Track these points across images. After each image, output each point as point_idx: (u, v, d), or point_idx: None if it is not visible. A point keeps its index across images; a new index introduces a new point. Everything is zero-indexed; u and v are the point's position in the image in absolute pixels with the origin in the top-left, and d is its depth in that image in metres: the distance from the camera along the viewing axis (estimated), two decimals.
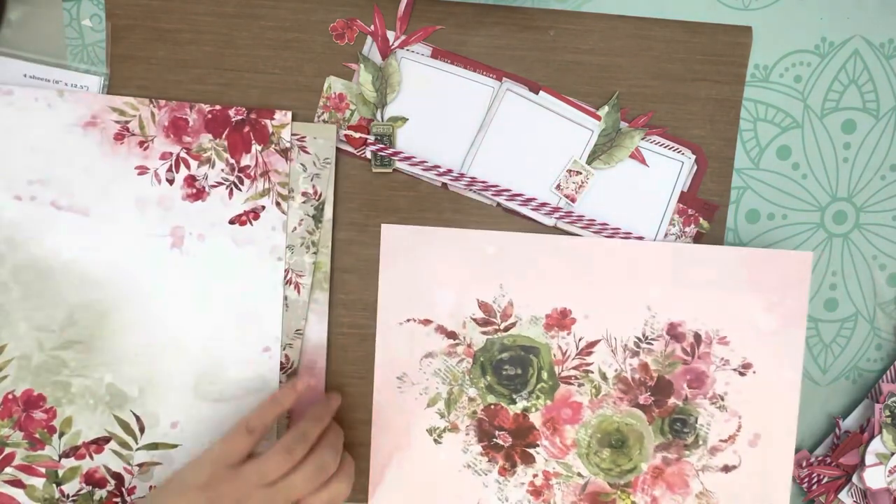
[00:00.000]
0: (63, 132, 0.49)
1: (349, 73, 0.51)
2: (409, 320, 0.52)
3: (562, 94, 0.51)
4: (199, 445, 0.51)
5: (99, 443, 0.51)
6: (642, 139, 0.51)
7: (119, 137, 0.49)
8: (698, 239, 0.53)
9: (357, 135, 0.50)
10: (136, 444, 0.52)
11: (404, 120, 0.51)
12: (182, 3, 0.50)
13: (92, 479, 0.52)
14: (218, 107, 0.50)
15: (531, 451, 0.53)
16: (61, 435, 0.51)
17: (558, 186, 0.51)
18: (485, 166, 0.51)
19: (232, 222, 0.51)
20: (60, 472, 0.51)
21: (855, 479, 0.55)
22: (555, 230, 0.52)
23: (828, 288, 0.55)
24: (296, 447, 0.46)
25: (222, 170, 0.50)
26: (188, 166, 0.50)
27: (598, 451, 0.53)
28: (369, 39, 0.50)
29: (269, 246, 0.51)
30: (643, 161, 0.52)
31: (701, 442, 0.52)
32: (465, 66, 0.51)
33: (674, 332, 0.52)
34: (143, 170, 0.50)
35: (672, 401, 0.52)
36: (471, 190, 0.51)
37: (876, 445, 0.54)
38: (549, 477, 0.53)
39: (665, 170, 0.52)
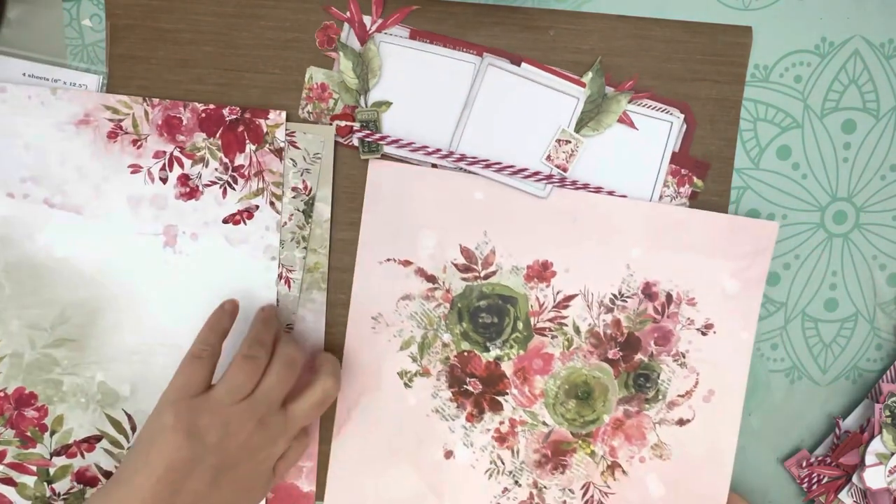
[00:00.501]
0: (56, 130, 0.49)
1: (330, 63, 0.50)
2: (388, 260, 0.51)
3: (544, 64, 0.50)
4: None
5: (90, 441, 0.51)
6: (629, 102, 0.51)
7: (112, 136, 0.49)
8: (693, 198, 0.52)
9: (343, 123, 0.50)
10: (128, 442, 0.51)
11: (388, 104, 0.50)
12: (182, 3, 0.49)
13: (83, 478, 0.52)
14: (212, 106, 0.49)
15: (500, 399, 0.53)
16: (53, 433, 0.51)
17: (549, 157, 0.51)
18: (473, 143, 0.50)
19: (225, 221, 0.50)
20: (52, 471, 0.51)
21: (855, 479, 0.55)
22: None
23: (828, 288, 0.55)
24: (254, 352, 0.44)
25: (216, 169, 0.50)
26: (182, 165, 0.50)
27: (564, 401, 0.53)
28: (346, 26, 0.50)
29: (262, 245, 0.50)
30: (632, 124, 0.51)
31: (661, 397, 0.53)
32: (444, 45, 0.50)
33: (648, 292, 0.52)
34: (136, 168, 0.49)
35: (638, 356, 0.53)
36: (460, 166, 0.50)
37: (876, 445, 0.54)
38: (514, 424, 0.53)
39: (654, 131, 0.51)
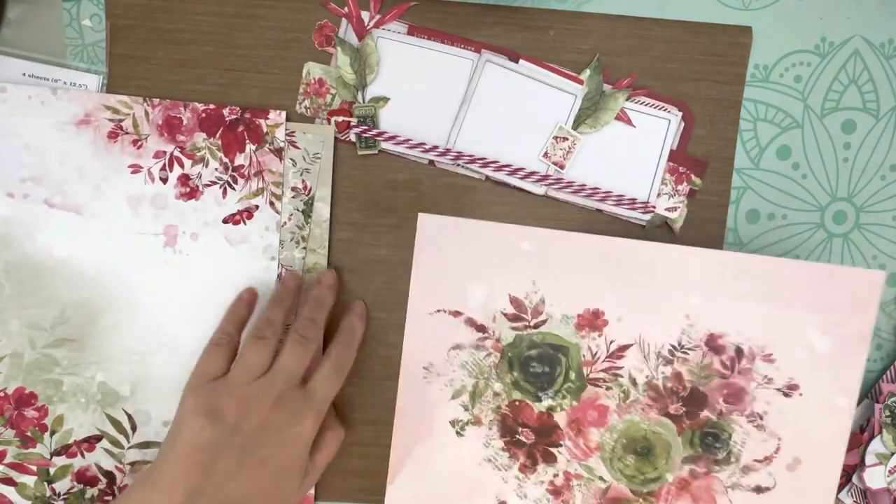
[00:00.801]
0: (56, 130, 0.48)
1: (328, 58, 0.50)
2: (439, 311, 0.51)
3: (542, 61, 0.50)
4: None
5: (90, 441, 0.51)
6: (627, 100, 0.50)
7: (112, 136, 0.49)
8: (692, 196, 0.52)
9: (340, 118, 0.49)
10: (128, 442, 0.51)
11: (386, 100, 0.50)
12: (182, 3, 0.49)
13: (83, 478, 0.51)
14: (212, 106, 0.49)
15: (553, 450, 0.52)
16: (53, 433, 0.51)
17: (546, 154, 0.50)
18: (470, 140, 0.50)
19: (225, 221, 0.50)
20: (52, 471, 0.51)
21: (855, 479, 0.54)
22: (593, 229, 0.51)
23: None
24: (263, 332, 0.45)
25: (216, 169, 0.49)
26: (182, 165, 0.49)
27: (622, 456, 0.51)
28: (344, 22, 0.49)
29: (262, 245, 0.50)
30: (629, 122, 0.51)
31: (733, 459, 0.50)
32: (442, 41, 0.50)
33: (713, 344, 0.50)
34: (136, 168, 0.49)
35: (705, 413, 0.50)
36: (458, 164, 0.50)
37: (876, 445, 0.53)
38: (569, 478, 0.52)
39: (652, 129, 0.51)
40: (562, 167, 0.50)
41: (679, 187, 0.51)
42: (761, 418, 0.50)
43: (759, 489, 0.50)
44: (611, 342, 0.50)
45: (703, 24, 0.51)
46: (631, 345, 0.50)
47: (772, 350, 0.49)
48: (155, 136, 0.49)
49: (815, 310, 0.48)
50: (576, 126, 0.50)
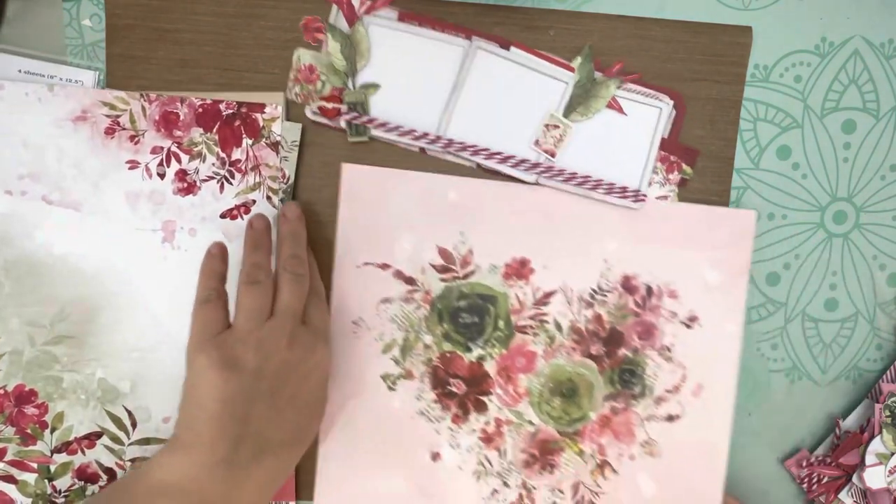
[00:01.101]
0: (54, 127, 0.48)
1: (319, 45, 0.49)
2: (366, 264, 0.51)
3: (533, 49, 0.50)
4: None
5: (91, 438, 0.51)
6: (618, 88, 0.50)
7: (110, 132, 0.49)
8: (682, 185, 0.51)
9: (330, 105, 0.49)
10: (129, 439, 0.51)
11: (376, 87, 0.49)
12: (182, 3, 0.49)
13: (84, 475, 0.51)
14: (209, 101, 0.49)
15: (484, 398, 0.52)
16: (53, 430, 0.50)
17: (537, 142, 0.50)
18: (461, 127, 0.50)
19: (223, 216, 0.50)
20: (52, 468, 0.51)
21: (855, 479, 0.54)
22: (519, 180, 0.50)
23: (828, 288, 0.54)
24: (257, 276, 0.44)
25: (213, 164, 0.49)
26: (179, 160, 0.49)
27: (549, 399, 0.52)
28: (335, 8, 0.49)
29: None
30: (621, 110, 0.50)
31: (647, 392, 0.52)
32: (433, 27, 0.49)
33: (627, 285, 0.51)
34: (133, 164, 0.49)
35: (622, 351, 0.52)
36: (448, 152, 0.50)
37: (876, 445, 0.53)
38: (500, 424, 0.52)
39: (643, 117, 0.51)
40: (553, 155, 0.50)
41: (670, 176, 0.51)
42: (669, 350, 0.52)
43: (670, 418, 0.52)
44: (537, 289, 0.51)
45: (703, 24, 0.50)
46: (555, 291, 0.51)
47: (675, 287, 0.51)
48: (152, 131, 0.49)
49: (706, 248, 0.51)
50: (567, 114, 0.50)
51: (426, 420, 0.52)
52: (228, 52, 0.49)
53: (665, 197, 0.51)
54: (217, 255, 0.47)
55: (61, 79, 0.49)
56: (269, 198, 0.50)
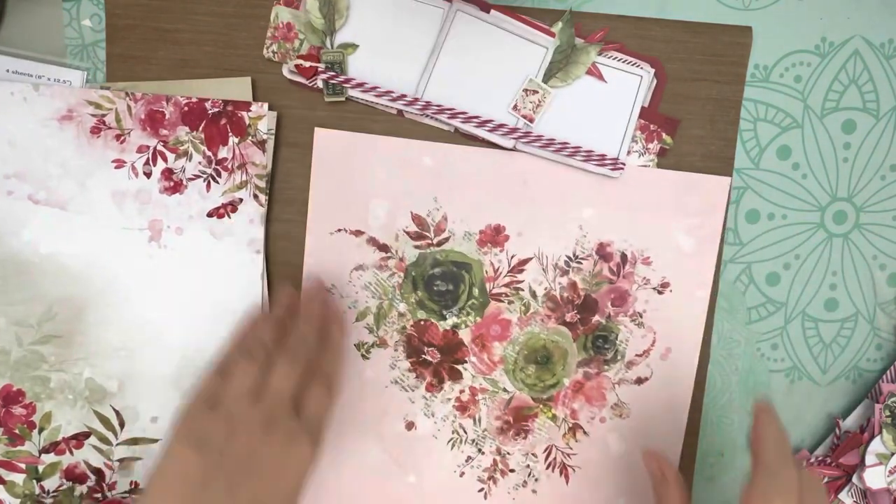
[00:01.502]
0: (39, 126, 0.48)
1: (298, 4, 0.48)
2: (339, 230, 0.50)
3: (514, 13, 0.49)
4: None
5: (79, 438, 0.50)
6: (598, 55, 0.49)
7: (96, 131, 0.48)
8: (662, 154, 0.50)
9: (307, 64, 0.48)
10: (117, 439, 0.51)
11: (355, 47, 0.48)
12: (182, 3, 0.48)
13: (72, 475, 0.51)
14: (194, 99, 0.48)
15: (459, 367, 0.52)
16: (41, 430, 0.50)
17: (515, 107, 0.49)
18: (440, 90, 0.49)
19: (210, 215, 0.49)
20: (40, 468, 0.51)
21: (855, 479, 0.54)
22: (495, 146, 0.50)
23: (828, 288, 0.54)
24: (252, 350, 0.41)
25: (199, 162, 0.49)
26: (165, 159, 0.49)
27: (524, 367, 0.52)
28: None
29: (247, 238, 0.50)
30: (601, 77, 0.49)
31: (619, 357, 0.52)
32: None
33: (602, 252, 0.51)
34: (119, 163, 0.49)
35: (596, 318, 0.52)
36: (426, 114, 0.49)
37: (876, 445, 0.53)
38: (475, 392, 0.52)
39: (624, 85, 0.50)
40: (531, 121, 0.49)
41: (650, 145, 0.50)
42: (641, 316, 0.52)
43: (639, 380, 0.52)
44: (512, 257, 0.51)
45: (703, 24, 0.50)
46: (530, 258, 0.51)
47: (649, 254, 0.51)
48: (138, 130, 0.48)
49: (680, 215, 0.51)
50: (546, 79, 0.49)
51: (400, 389, 0.52)
52: (228, 52, 0.49)
53: (645, 166, 0.51)
54: (255, 320, 0.45)
55: (49, 79, 0.48)
56: (255, 196, 0.49)
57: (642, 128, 0.50)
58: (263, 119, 0.48)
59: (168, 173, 0.49)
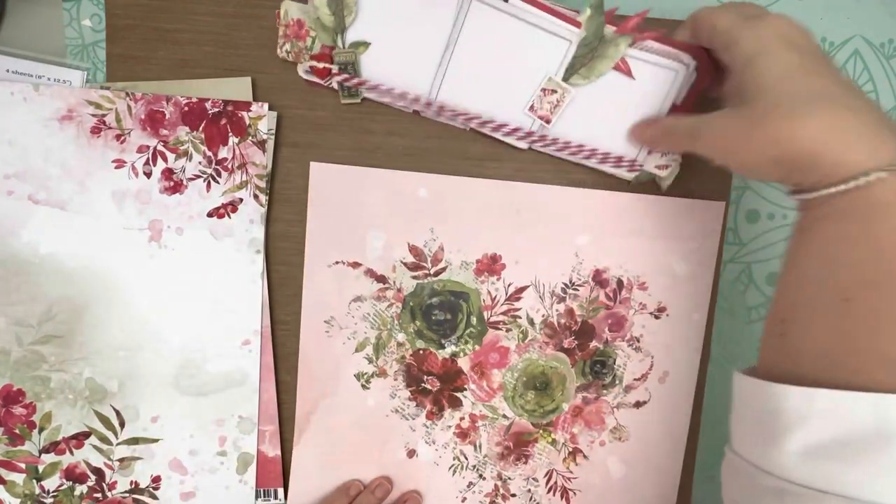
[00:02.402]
0: (39, 126, 0.47)
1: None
2: (337, 262, 0.50)
3: (536, 0, 0.44)
4: (179, 440, 0.50)
5: (79, 438, 0.50)
6: (630, 46, 0.44)
7: (96, 131, 0.48)
8: (687, 155, 0.47)
9: (321, 65, 0.47)
10: (117, 438, 0.50)
11: (367, 45, 0.46)
12: (182, 3, 0.48)
13: (72, 475, 0.50)
14: (195, 99, 0.48)
15: (459, 395, 0.52)
16: (41, 430, 0.50)
17: (532, 108, 0.47)
18: (456, 88, 0.47)
19: (210, 215, 0.49)
20: (41, 468, 0.50)
21: None
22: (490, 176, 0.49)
23: None
24: None
25: (200, 162, 0.48)
26: (165, 159, 0.48)
27: (523, 393, 0.52)
28: None
29: (247, 239, 0.49)
30: (629, 73, 0.45)
31: (617, 381, 0.52)
32: None
33: (599, 279, 0.51)
34: (120, 163, 0.48)
35: (593, 344, 0.52)
36: (441, 116, 0.48)
37: None
38: (475, 419, 0.52)
39: (654, 81, 0.45)
40: (548, 121, 0.47)
41: None
42: (638, 341, 0.52)
43: (637, 404, 0.52)
44: (509, 285, 0.51)
45: None
46: (527, 286, 0.51)
47: (645, 279, 0.51)
48: (138, 130, 0.48)
49: (675, 240, 0.51)
50: (567, 76, 0.45)
51: (401, 417, 0.52)
52: (228, 52, 0.48)
53: (666, 166, 0.48)
54: (342, 491, 0.50)
55: (49, 79, 0.48)
56: (255, 196, 0.49)
57: None
58: (263, 119, 0.48)
59: (168, 173, 0.48)
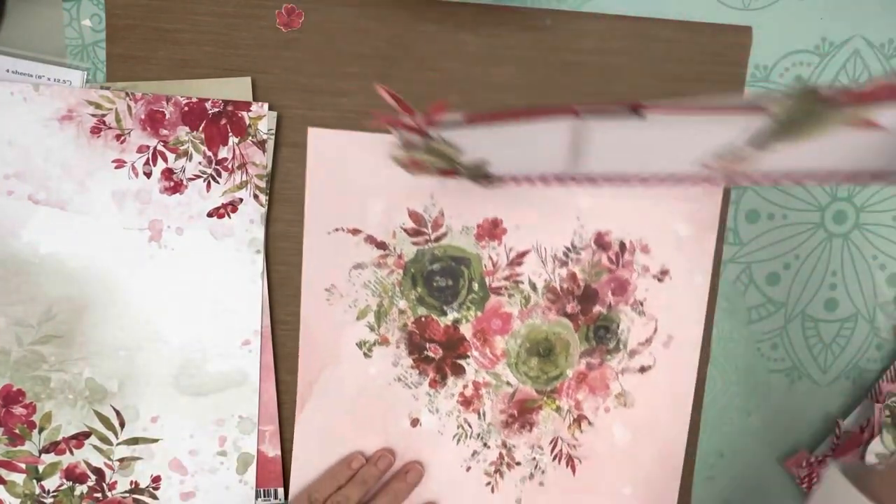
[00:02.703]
0: (40, 126, 0.47)
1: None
2: (337, 230, 0.49)
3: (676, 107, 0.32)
4: (179, 439, 0.50)
5: (79, 438, 0.50)
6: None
7: (96, 131, 0.47)
8: None
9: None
10: (117, 438, 0.50)
11: (487, 162, 0.43)
12: (182, 3, 0.48)
13: (72, 475, 0.50)
14: (195, 99, 0.47)
15: (461, 362, 0.51)
16: (41, 430, 0.49)
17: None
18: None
19: (210, 215, 0.49)
20: (41, 468, 0.50)
21: None
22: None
23: (828, 288, 0.53)
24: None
25: (200, 162, 0.48)
26: (165, 159, 0.48)
27: (526, 360, 0.52)
28: (399, 132, 0.42)
29: (247, 239, 0.49)
30: (874, 125, 0.28)
31: (622, 346, 0.52)
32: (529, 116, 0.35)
33: (601, 242, 0.51)
34: (120, 163, 0.48)
35: (597, 308, 0.51)
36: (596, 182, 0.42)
37: (876, 445, 0.52)
38: (478, 387, 0.52)
39: None
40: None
41: None
42: (641, 305, 0.51)
43: (642, 369, 0.52)
44: (510, 250, 0.50)
45: (703, 24, 0.49)
46: (529, 251, 0.50)
47: (647, 241, 0.51)
48: (138, 130, 0.47)
49: (678, 201, 0.50)
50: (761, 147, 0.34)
51: (403, 386, 0.51)
52: (228, 52, 0.48)
53: None
54: (346, 470, 0.50)
55: (49, 79, 0.47)
56: (255, 196, 0.48)
57: None
58: (263, 119, 0.48)
59: (168, 173, 0.48)
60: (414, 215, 0.50)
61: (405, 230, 0.50)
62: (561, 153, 0.41)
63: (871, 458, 0.52)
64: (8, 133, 0.47)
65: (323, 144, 0.48)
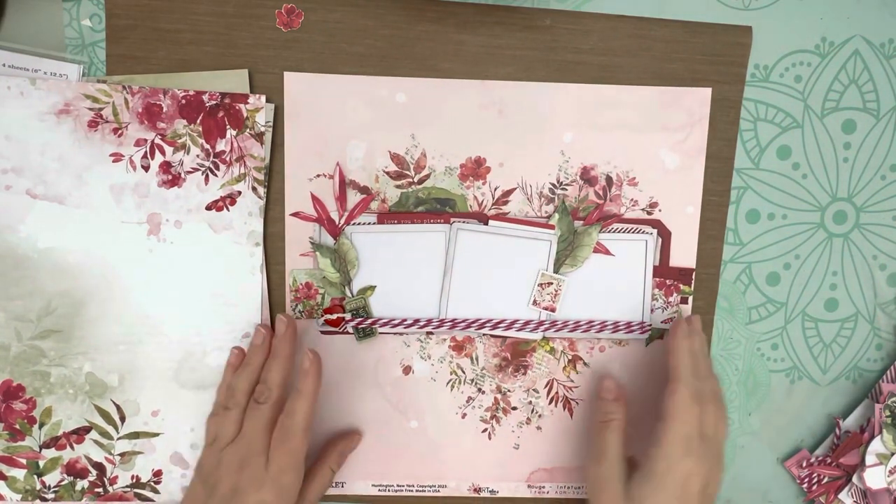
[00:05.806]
0: (36, 120, 0.46)
1: (309, 261, 0.49)
2: (318, 176, 0.48)
3: (509, 218, 0.49)
4: (180, 433, 0.50)
5: (79, 433, 0.49)
6: (600, 232, 0.49)
7: (93, 125, 0.46)
8: (685, 302, 0.51)
9: (334, 316, 0.49)
10: (117, 433, 0.49)
11: (373, 288, 0.49)
12: (182, 3, 0.47)
13: (73, 470, 0.49)
14: (192, 92, 0.46)
15: None
16: (41, 425, 0.49)
17: (535, 302, 0.49)
18: (461, 303, 0.50)
19: (209, 208, 0.47)
20: (41, 463, 0.49)
21: (855, 479, 0.53)
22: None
23: (828, 288, 0.52)
24: (226, 402, 0.46)
25: (197, 155, 0.47)
26: (163, 152, 0.47)
27: None
28: (317, 226, 0.48)
29: (246, 231, 0.48)
30: (607, 252, 0.50)
31: None
32: (412, 221, 0.48)
33: (587, 176, 0.49)
34: (117, 157, 0.47)
35: None
36: (456, 331, 0.50)
37: (876, 445, 0.51)
38: None
39: (632, 252, 0.50)
40: (553, 310, 0.50)
41: (670, 299, 0.51)
42: None
43: None
44: (495, 189, 0.49)
45: (703, 24, 0.48)
46: (514, 189, 0.49)
47: (634, 174, 0.49)
48: (135, 123, 0.46)
49: (663, 131, 0.49)
50: (557, 268, 0.50)
51: (394, 333, 0.50)
52: (228, 52, 0.47)
53: (670, 319, 0.51)
54: (232, 365, 0.48)
55: (45, 73, 0.46)
56: (254, 189, 0.47)
57: (659, 285, 0.51)
58: (261, 111, 0.47)
59: (166, 166, 0.47)
60: (396, 158, 0.48)
61: (388, 173, 0.48)
62: (437, 266, 0.49)
63: (871, 458, 0.51)
64: (5, 127, 0.46)
65: (299, 89, 0.47)
